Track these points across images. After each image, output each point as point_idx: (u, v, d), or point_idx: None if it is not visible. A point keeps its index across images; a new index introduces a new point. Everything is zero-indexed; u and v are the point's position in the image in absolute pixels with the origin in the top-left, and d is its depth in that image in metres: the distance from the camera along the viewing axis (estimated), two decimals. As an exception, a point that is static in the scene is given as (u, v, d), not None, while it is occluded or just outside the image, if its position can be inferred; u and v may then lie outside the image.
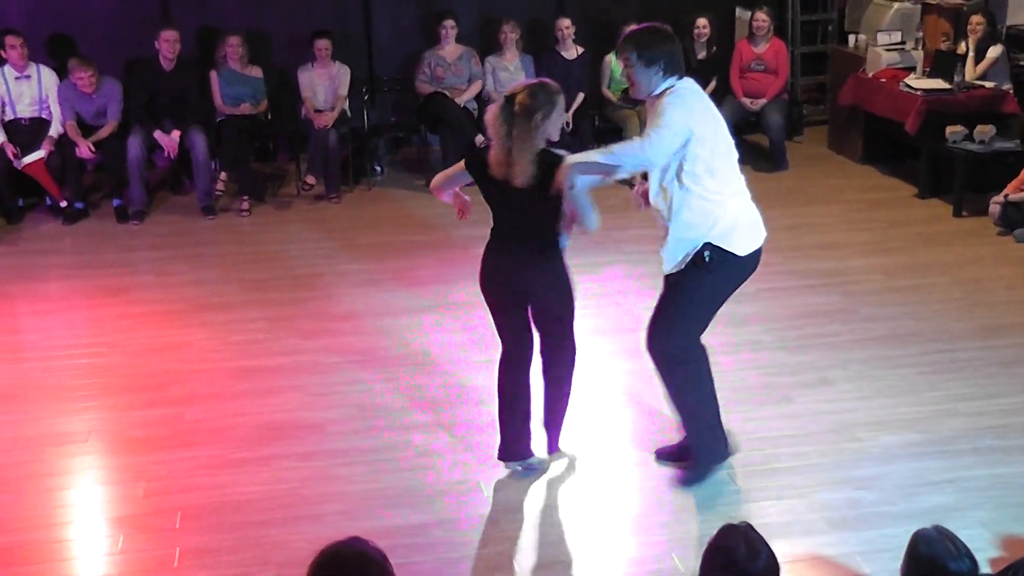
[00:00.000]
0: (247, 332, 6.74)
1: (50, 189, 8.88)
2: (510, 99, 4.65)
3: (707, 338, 6.18)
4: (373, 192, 9.71)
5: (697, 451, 5.03)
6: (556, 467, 5.19)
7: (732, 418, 5.53)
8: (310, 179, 9.27)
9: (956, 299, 7.03)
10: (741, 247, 4.74)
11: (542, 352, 5.07)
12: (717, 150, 4.64)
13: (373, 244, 8.31)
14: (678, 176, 4.63)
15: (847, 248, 7.91)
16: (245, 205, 9.10)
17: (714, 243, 4.67)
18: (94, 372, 6.24)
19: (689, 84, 4.70)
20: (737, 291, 7.13)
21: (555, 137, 4.73)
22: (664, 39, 4.69)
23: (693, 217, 4.66)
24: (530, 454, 5.13)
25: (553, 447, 5.20)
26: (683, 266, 4.75)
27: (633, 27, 5.00)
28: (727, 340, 6.45)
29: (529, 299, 4.92)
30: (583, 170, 4.63)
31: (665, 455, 5.19)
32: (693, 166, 4.60)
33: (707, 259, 4.67)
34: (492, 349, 6.14)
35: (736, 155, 4.78)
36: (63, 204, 8.88)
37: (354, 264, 7.86)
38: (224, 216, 9.05)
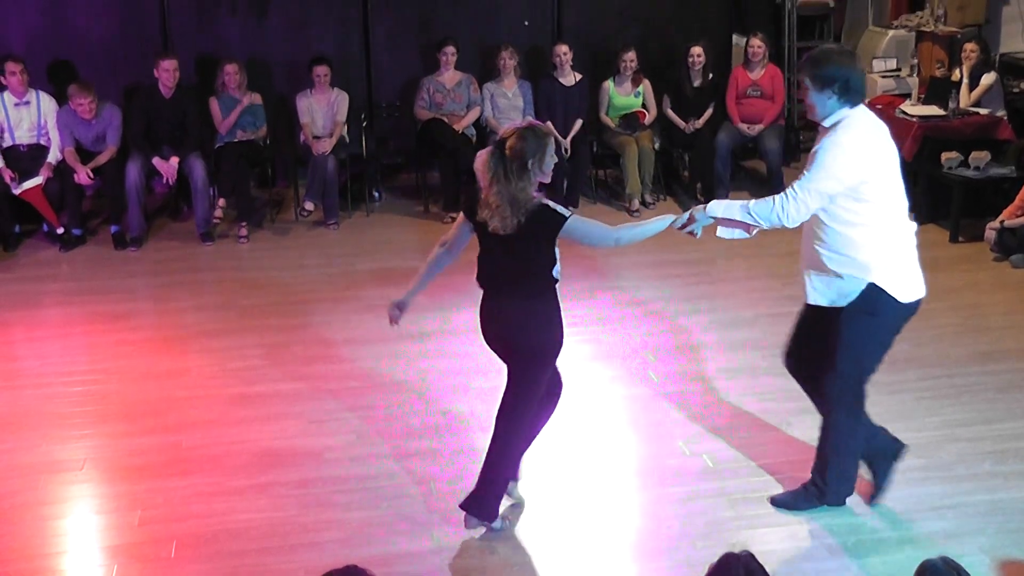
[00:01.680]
0: (245, 359, 6.73)
1: (47, 215, 8.88)
2: (500, 144, 4.55)
3: (705, 364, 6.19)
4: (371, 218, 9.72)
5: (828, 481, 4.88)
6: (556, 493, 5.17)
7: (731, 444, 5.54)
8: (309, 205, 9.27)
9: (954, 324, 7.03)
10: (904, 293, 4.59)
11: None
12: (881, 190, 4.49)
13: (372, 270, 8.31)
14: (839, 209, 4.50)
15: (845, 274, 7.91)
16: (244, 231, 9.10)
17: (878, 285, 4.54)
18: (91, 399, 6.22)
19: (862, 116, 4.52)
20: (735, 316, 7.23)
21: (547, 179, 4.64)
22: (842, 59, 4.53)
23: (855, 254, 4.54)
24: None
25: (467, 506, 4.83)
26: (842, 304, 4.62)
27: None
28: (726, 366, 6.46)
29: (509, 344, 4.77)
30: (722, 220, 4.63)
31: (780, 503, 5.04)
32: (855, 203, 4.47)
33: (874, 302, 4.54)
34: (492, 376, 6.15)
35: (904, 197, 4.60)
36: (60, 230, 8.88)
37: (352, 290, 7.86)
38: (222, 242, 9.05)
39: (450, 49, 9.77)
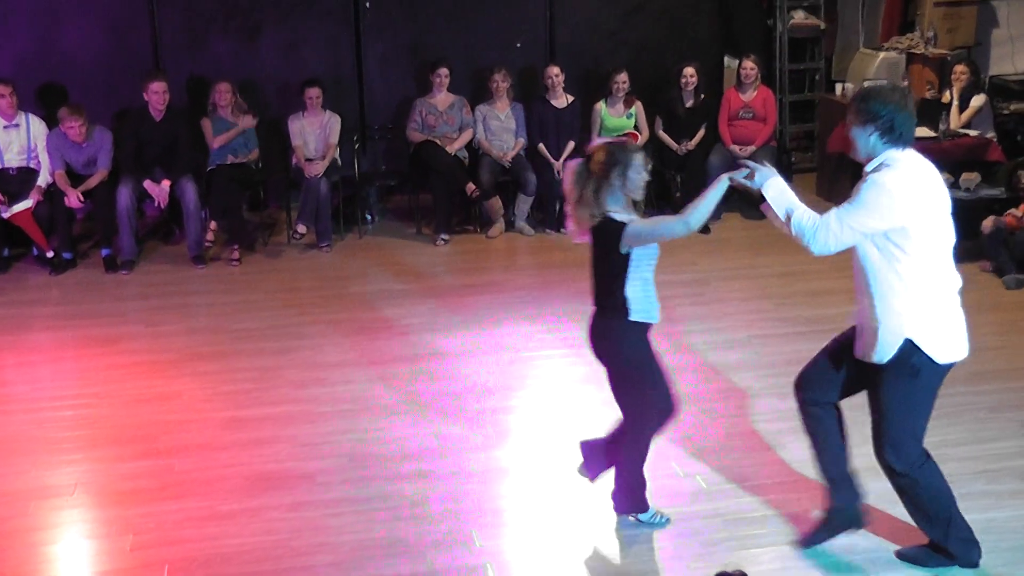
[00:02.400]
0: (237, 382, 6.71)
1: (37, 239, 8.85)
2: (588, 158, 4.65)
3: (699, 385, 6.18)
4: (364, 240, 9.72)
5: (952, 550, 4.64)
6: (549, 517, 5.16)
7: (723, 465, 5.53)
8: (301, 228, 9.27)
9: (946, 345, 7.03)
10: (942, 353, 4.38)
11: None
12: (923, 238, 4.28)
13: (364, 293, 8.30)
14: (883, 255, 4.33)
15: (837, 295, 7.89)
16: (236, 254, 9.09)
17: (914, 342, 4.33)
18: (81, 423, 6.20)
19: (908, 158, 4.31)
20: (728, 337, 7.24)
21: (637, 196, 4.69)
22: (891, 96, 4.30)
23: (898, 305, 4.34)
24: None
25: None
26: (885, 361, 4.40)
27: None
28: (719, 387, 6.46)
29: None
30: (771, 196, 4.46)
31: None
32: (897, 250, 4.29)
33: (913, 363, 4.33)
34: (485, 398, 6.14)
35: (950, 245, 4.40)
36: (50, 254, 8.85)
37: (345, 313, 7.85)
38: (214, 265, 9.04)
39: (443, 71, 9.78)
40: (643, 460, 4.95)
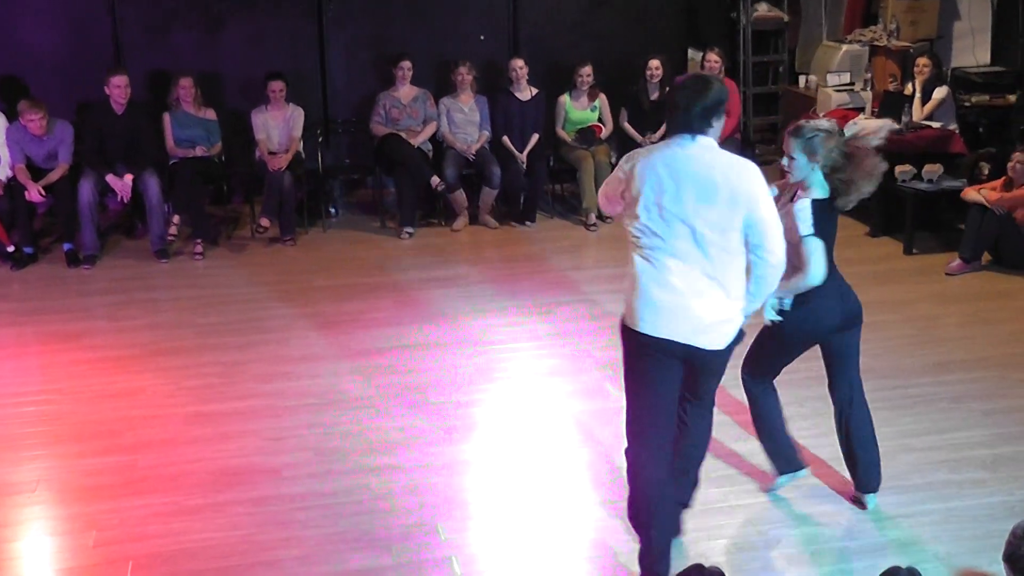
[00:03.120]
0: (201, 377, 6.67)
1: (-2, 233, 8.78)
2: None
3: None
4: (328, 234, 9.68)
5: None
6: (515, 509, 5.16)
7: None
8: (264, 222, 9.22)
9: (908, 336, 7.10)
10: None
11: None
12: None
13: (328, 287, 8.27)
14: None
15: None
16: (199, 248, 9.04)
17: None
18: (44, 420, 6.14)
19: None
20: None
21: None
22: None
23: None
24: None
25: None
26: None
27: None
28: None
29: None
30: (756, 308, 4.56)
31: None
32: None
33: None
34: (449, 391, 6.15)
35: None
36: (11, 249, 8.77)
37: (309, 307, 7.82)
38: (178, 260, 8.99)
39: (406, 64, 9.77)
40: None
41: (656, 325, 4.23)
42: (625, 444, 4.46)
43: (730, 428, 5.84)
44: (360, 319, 7.51)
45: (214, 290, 8.25)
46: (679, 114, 4.24)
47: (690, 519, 4.97)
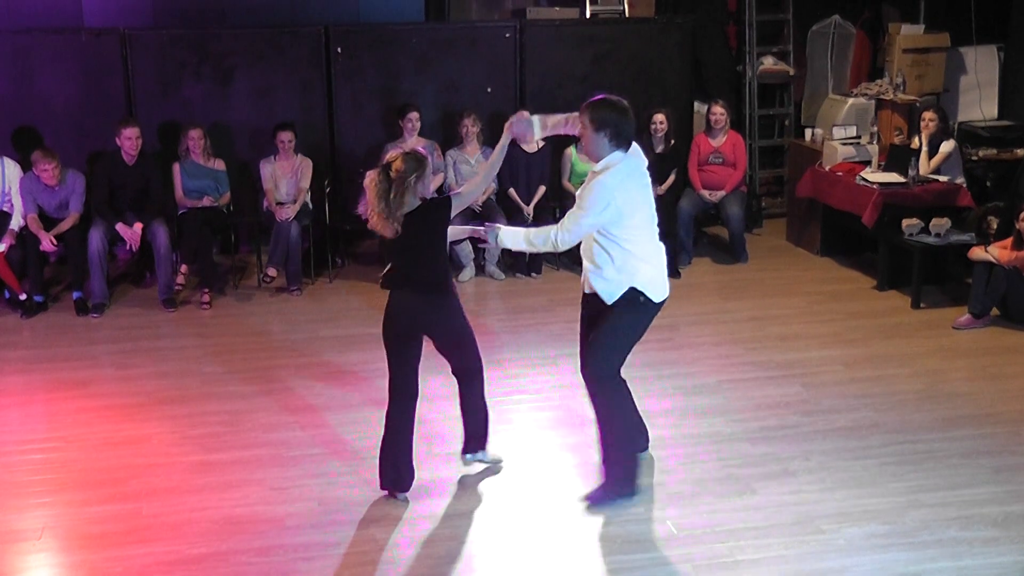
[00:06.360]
0: (207, 425, 6.67)
1: (9, 282, 8.81)
2: (386, 167, 5.34)
3: (669, 430, 6.21)
4: (334, 284, 9.71)
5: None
6: (519, 562, 5.13)
7: (695, 510, 5.52)
8: (271, 271, 9.26)
9: (916, 390, 7.07)
10: (655, 295, 5.47)
11: (455, 373, 5.77)
12: (640, 218, 5.40)
13: (334, 337, 8.28)
14: (610, 236, 5.33)
15: (808, 339, 7.96)
16: (206, 297, 9.06)
17: (638, 288, 5.39)
18: (50, 467, 6.14)
19: (628, 160, 5.35)
20: (698, 382, 7.25)
21: (427, 195, 5.46)
22: (615, 106, 5.37)
23: (624, 267, 5.39)
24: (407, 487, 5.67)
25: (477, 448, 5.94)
26: (611, 302, 5.43)
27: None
28: (689, 431, 6.46)
29: (429, 335, 5.56)
30: (509, 243, 5.55)
31: None
32: (620, 231, 5.32)
33: (640, 300, 5.41)
34: (454, 443, 6.12)
35: (655, 220, 5.53)
36: (23, 297, 8.81)
37: (315, 357, 7.82)
38: (185, 309, 9.01)
39: (413, 115, 9.82)
40: None
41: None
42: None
43: (735, 482, 5.81)
44: (365, 369, 7.50)
45: (220, 339, 8.27)
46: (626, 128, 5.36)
47: (693, 574, 4.93)
